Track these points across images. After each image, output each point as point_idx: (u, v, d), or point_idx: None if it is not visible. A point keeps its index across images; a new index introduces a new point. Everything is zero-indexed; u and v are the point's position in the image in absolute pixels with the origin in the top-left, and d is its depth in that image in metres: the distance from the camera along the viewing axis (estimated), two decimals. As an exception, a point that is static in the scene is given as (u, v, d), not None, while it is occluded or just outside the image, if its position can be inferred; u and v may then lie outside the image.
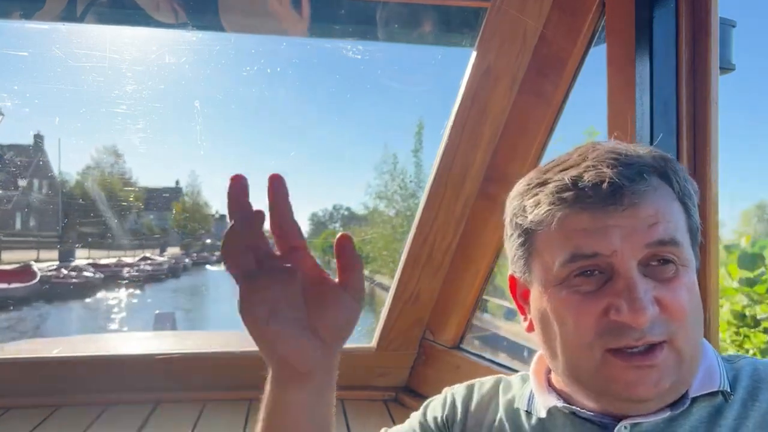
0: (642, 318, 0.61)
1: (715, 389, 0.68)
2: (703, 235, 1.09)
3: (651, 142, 1.13)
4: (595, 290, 0.64)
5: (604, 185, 0.63)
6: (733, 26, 1.19)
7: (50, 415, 1.92)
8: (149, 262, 25.92)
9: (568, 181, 0.66)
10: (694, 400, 0.67)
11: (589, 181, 0.64)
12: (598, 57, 1.40)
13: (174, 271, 27.43)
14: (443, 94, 1.74)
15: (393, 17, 1.81)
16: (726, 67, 1.17)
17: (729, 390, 0.68)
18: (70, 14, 1.66)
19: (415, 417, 0.88)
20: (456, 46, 1.89)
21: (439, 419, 0.84)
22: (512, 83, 1.67)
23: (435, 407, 0.86)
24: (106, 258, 23.99)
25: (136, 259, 25.83)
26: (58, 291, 18.78)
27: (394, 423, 0.91)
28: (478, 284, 1.88)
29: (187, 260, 31.83)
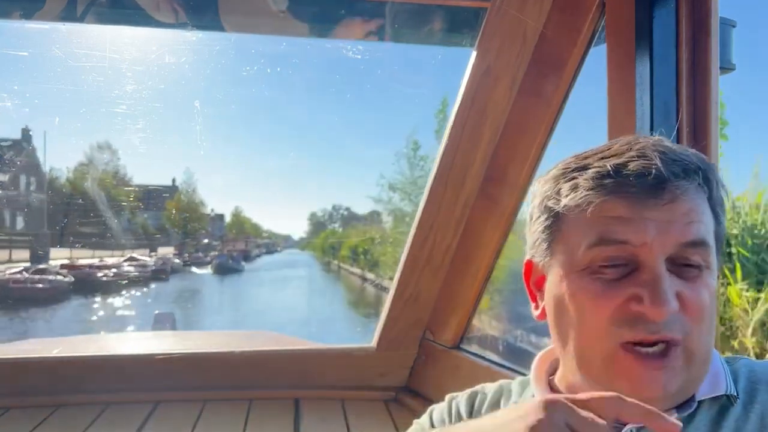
0: (663, 310, 0.60)
1: (722, 393, 0.67)
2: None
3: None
4: (619, 279, 0.64)
5: (650, 176, 0.63)
6: (733, 26, 1.19)
7: (50, 415, 1.92)
8: (134, 263, 23.71)
9: (610, 168, 0.65)
10: (700, 403, 0.67)
11: (634, 169, 0.64)
12: (598, 57, 1.40)
13: (160, 273, 25.03)
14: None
15: (393, 17, 1.81)
16: (726, 67, 1.17)
17: (735, 394, 0.68)
18: (70, 14, 1.66)
19: (418, 424, 0.87)
20: (456, 46, 1.89)
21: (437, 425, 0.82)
22: (512, 83, 1.67)
23: (440, 415, 0.85)
24: (90, 258, 22.10)
25: (122, 259, 23.71)
26: (14, 297, 16.22)
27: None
28: (478, 284, 1.88)
29: (177, 261, 29.38)
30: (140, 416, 1.91)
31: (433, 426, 0.84)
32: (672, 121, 1.13)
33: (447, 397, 0.88)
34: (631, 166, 0.64)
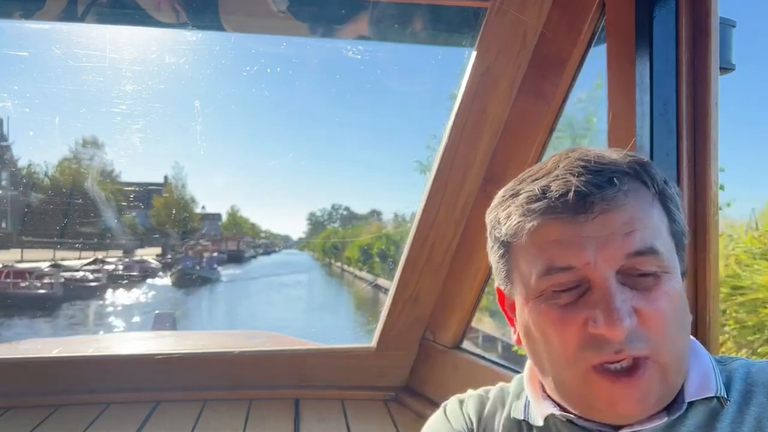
0: (618, 330, 0.59)
1: (712, 395, 0.66)
2: (702, 236, 1.10)
3: (651, 142, 1.13)
4: (574, 302, 0.63)
5: (570, 195, 0.62)
6: (733, 26, 1.19)
7: (50, 415, 1.92)
8: (92, 267, 18.75)
9: (537, 192, 0.65)
10: (690, 404, 0.66)
11: (556, 191, 0.63)
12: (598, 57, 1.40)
13: (120, 279, 19.07)
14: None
15: (393, 17, 1.81)
16: (726, 67, 1.17)
17: (725, 396, 0.67)
18: (70, 14, 1.66)
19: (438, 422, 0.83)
20: (456, 46, 1.89)
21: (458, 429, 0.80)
22: (512, 83, 1.67)
23: (454, 416, 0.82)
24: (48, 261, 17.79)
25: (84, 262, 18.89)
26: None
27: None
28: (478, 284, 1.88)
29: (154, 264, 22.74)
30: (140, 416, 1.91)
31: (451, 426, 0.81)
32: (672, 121, 1.13)
33: (455, 400, 0.86)
34: (554, 186, 0.64)
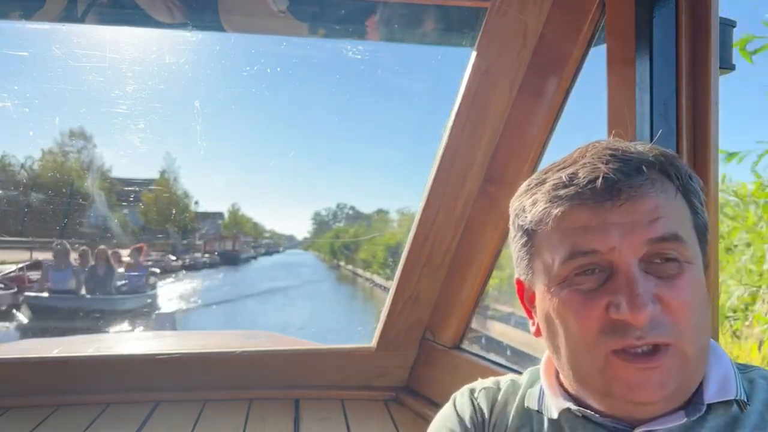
0: (642, 315, 0.60)
1: (732, 398, 0.66)
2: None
3: (651, 142, 1.13)
4: (596, 288, 0.64)
5: (599, 181, 0.63)
6: (733, 26, 1.19)
7: (50, 415, 1.92)
8: (18, 275, 11.71)
9: (564, 179, 0.66)
10: (710, 407, 0.66)
11: (584, 177, 0.64)
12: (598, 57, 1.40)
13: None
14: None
15: (393, 17, 1.81)
16: (726, 67, 1.17)
17: (746, 399, 0.66)
18: (70, 14, 1.66)
19: (445, 416, 0.83)
20: (456, 46, 1.89)
21: (467, 422, 0.80)
22: (512, 83, 1.67)
23: (462, 409, 0.82)
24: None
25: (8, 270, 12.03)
26: None
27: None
28: (478, 284, 1.88)
29: (121, 278, 11.58)
30: (140, 416, 1.91)
31: (460, 419, 0.81)
32: (672, 121, 1.13)
33: (466, 391, 0.86)
34: (582, 173, 0.65)
